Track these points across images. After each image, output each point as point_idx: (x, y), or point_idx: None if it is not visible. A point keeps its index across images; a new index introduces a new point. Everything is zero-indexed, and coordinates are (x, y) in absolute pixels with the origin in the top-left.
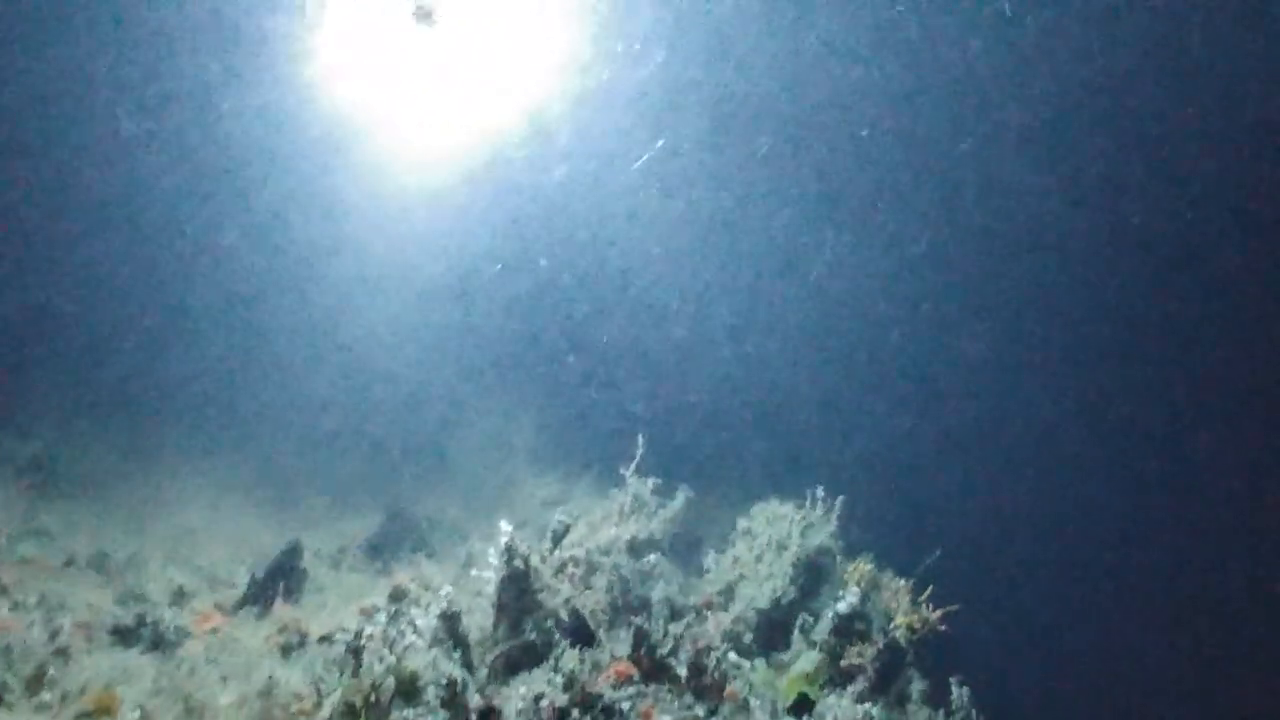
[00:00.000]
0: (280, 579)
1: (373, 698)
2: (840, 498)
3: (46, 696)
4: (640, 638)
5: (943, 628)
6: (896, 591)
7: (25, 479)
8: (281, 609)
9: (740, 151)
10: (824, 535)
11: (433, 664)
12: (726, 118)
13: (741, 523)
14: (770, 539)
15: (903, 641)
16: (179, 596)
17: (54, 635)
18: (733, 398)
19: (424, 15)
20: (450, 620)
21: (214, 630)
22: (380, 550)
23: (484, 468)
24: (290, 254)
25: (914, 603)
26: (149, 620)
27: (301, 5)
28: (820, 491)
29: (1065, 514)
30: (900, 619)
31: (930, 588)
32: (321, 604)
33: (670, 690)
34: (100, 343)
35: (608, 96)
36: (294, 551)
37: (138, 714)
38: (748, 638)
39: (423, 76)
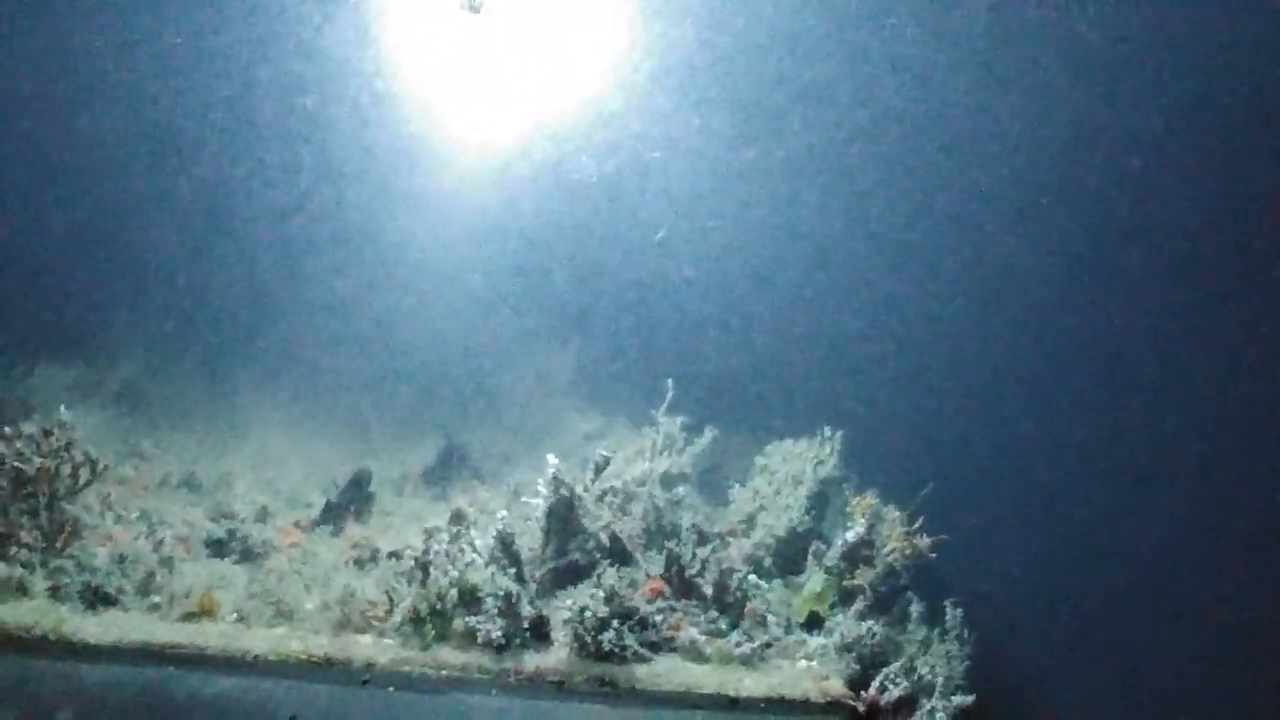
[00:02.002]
0: (352, 501)
1: (439, 605)
2: (840, 432)
3: (156, 599)
4: (671, 559)
5: (933, 555)
6: (891, 521)
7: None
8: (353, 528)
9: (766, 130)
10: (830, 468)
11: (491, 578)
12: (769, 107)
13: (760, 460)
14: (786, 474)
15: (897, 567)
16: (263, 514)
17: (157, 546)
18: (754, 347)
19: (472, 6)
20: (505, 540)
21: (295, 545)
22: (438, 478)
23: (529, 405)
24: (355, 216)
25: (907, 532)
26: (239, 535)
27: None
28: (828, 431)
29: (1059, 456)
30: (890, 545)
31: (921, 519)
32: (388, 525)
33: (697, 605)
34: (175, 281)
35: (655, 85)
36: (364, 477)
37: (235, 615)
38: (767, 561)
39: (471, 65)
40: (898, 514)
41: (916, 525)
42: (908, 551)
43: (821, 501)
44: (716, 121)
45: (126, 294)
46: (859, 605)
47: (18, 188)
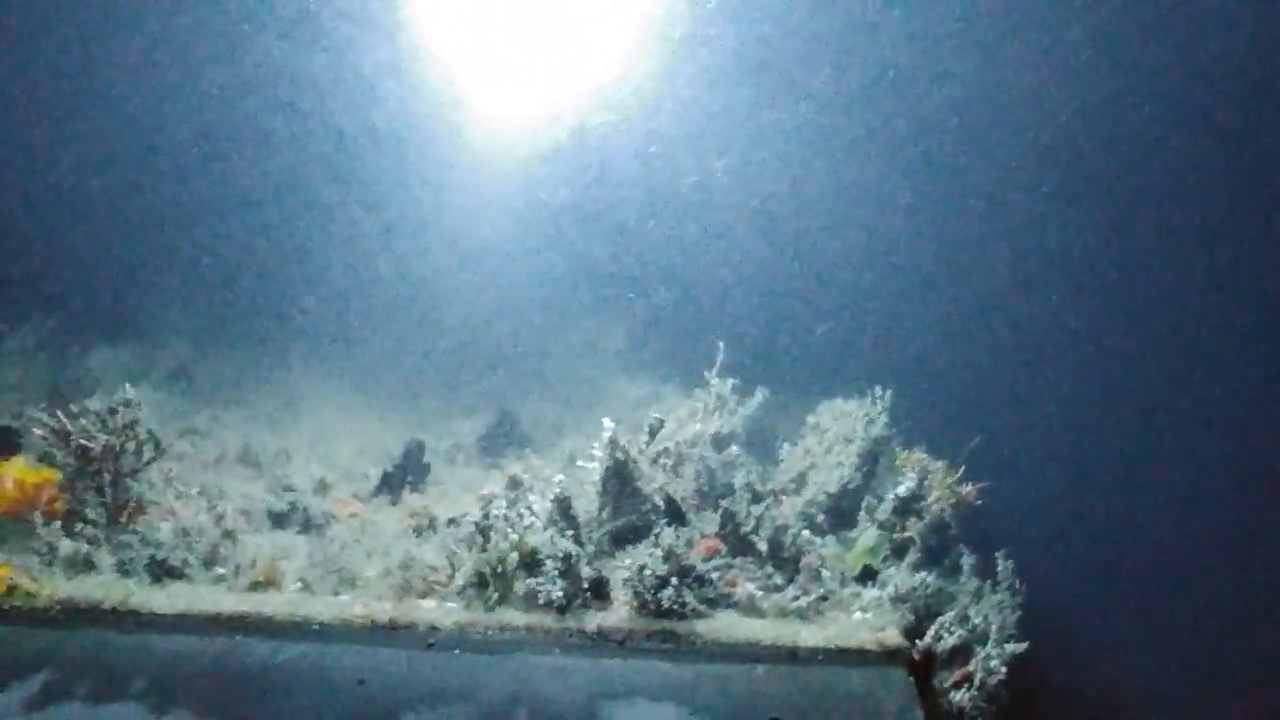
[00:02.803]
0: (407, 472)
1: (500, 569)
2: (889, 391)
3: (221, 570)
4: (726, 518)
5: (978, 502)
6: (935, 472)
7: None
8: (410, 498)
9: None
10: (881, 427)
11: (550, 541)
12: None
13: (811, 419)
14: (837, 433)
15: (946, 517)
16: (321, 487)
17: (219, 519)
18: (803, 310)
19: None
20: (562, 504)
21: (354, 515)
22: (490, 446)
23: (580, 372)
24: (403, 195)
25: (952, 483)
26: (299, 506)
27: None
28: (880, 390)
29: (1103, 404)
30: (933, 495)
31: (964, 467)
32: (443, 493)
33: (753, 562)
34: (224, 263)
35: (693, 54)
36: (418, 448)
37: (299, 584)
38: (819, 518)
39: (507, 44)
40: (941, 465)
41: (959, 474)
42: (953, 501)
43: (872, 459)
44: (757, 89)
45: (179, 276)
46: (911, 557)
47: (70, 175)
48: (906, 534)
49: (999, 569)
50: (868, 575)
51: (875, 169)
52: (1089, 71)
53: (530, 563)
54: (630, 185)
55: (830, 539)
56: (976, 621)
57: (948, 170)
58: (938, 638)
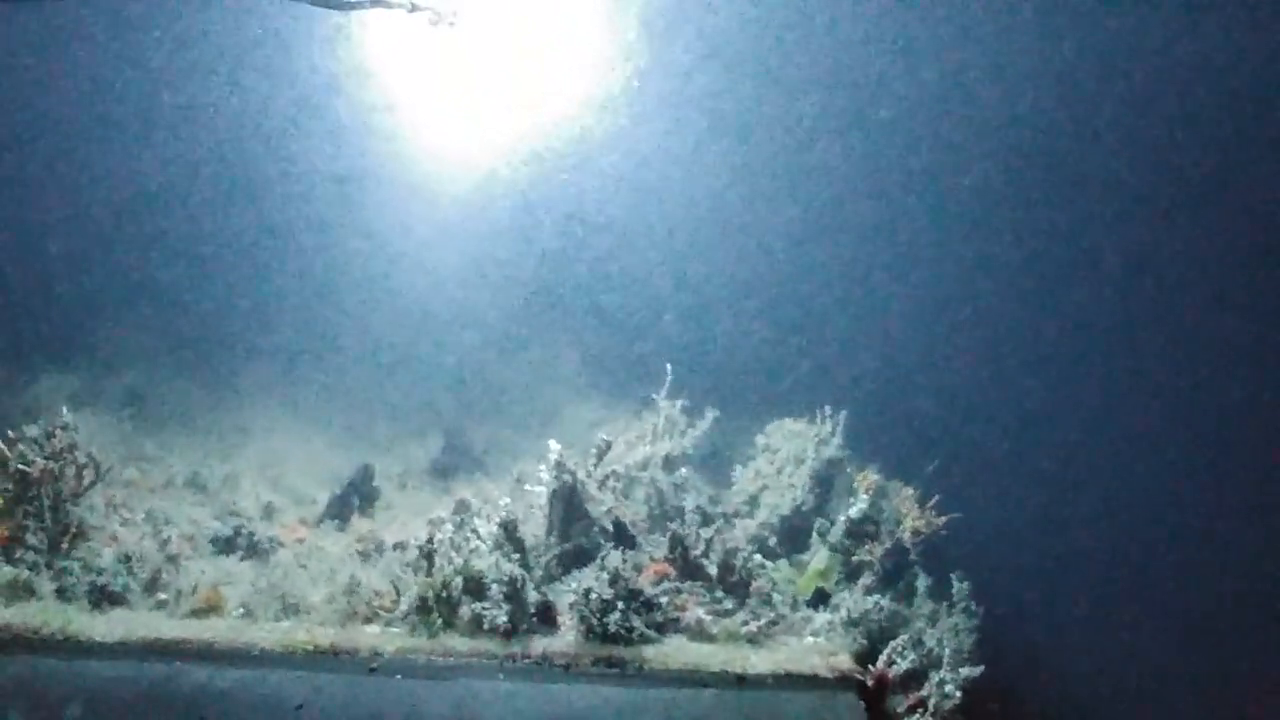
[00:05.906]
0: (356, 496)
1: (444, 593)
2: (844, 413)
3: (162, 596)
4: (676, 541)
5: (944, 531)
6: (905, 498)
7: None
8: (358, 522)
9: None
10: (834, 448)
11: (495, 565)
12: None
13: (760, 439)
14: (789, 453)
15: (906, 543)
16: (268, 512)
17: (163, 545)
18: (752, 330)
19: (447, 21)
20: (509, 528)
21: (300, 540)
22: (441, 471)
23: (532, 396)
24: (356, 219)
25: (920, 508)
26: (244, 532)
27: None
28: (829, 409)
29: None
30: (907, 523)
31: (936, 497)
32: (392, 518)
33: (703, 586)
34: (178, 291)
35: (641, 82)
36: (368, 472)
37: (242, 610)
38: (771, 541)
39: (456, 74)
40: (911, 491)
41: (932, 502)
42: (924, 527)
43: (825, 481)
44: (702, 115)
45: (128, 301)
46: (866, 580)
47: (19, 197)
48: (867, 558)
49: (954, 591)
50: (820, 599)
51: (833, 194)
52: (1043, 76)
53: (475, 587)
54: (584, 211)
55: (782, 562)
56: (931, 645)
57: (907, 189)
58: (890, 662)
